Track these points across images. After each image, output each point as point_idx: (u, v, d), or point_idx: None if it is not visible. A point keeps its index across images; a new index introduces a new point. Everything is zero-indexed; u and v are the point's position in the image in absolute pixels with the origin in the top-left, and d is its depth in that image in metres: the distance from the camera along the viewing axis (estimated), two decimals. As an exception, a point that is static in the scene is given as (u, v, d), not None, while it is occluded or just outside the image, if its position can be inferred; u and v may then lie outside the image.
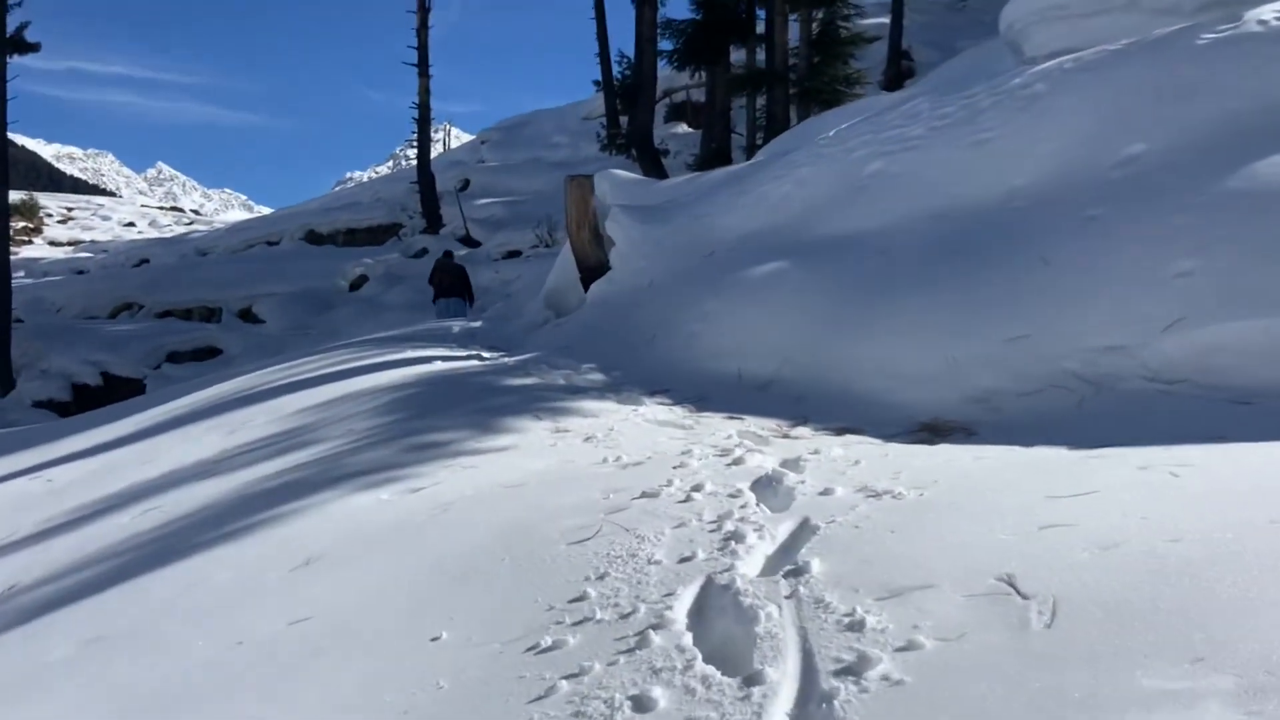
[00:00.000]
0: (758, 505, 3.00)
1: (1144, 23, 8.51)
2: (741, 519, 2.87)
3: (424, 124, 30.63)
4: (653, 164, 24.81)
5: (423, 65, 30.29)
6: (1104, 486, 2.68)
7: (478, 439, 4.59)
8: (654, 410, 5.05)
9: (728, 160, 23.39)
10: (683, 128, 33.24)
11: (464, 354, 6.89)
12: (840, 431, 4.53)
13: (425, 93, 30.25)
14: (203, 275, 30.07)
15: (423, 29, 30.09)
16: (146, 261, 38.51)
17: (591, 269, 7.99)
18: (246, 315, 27.36)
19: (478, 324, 9.49)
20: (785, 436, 4.50)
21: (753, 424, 4.70)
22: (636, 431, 4.61)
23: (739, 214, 7.24)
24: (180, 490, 4.82)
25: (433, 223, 30.10)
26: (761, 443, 4.29)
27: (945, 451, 3.75)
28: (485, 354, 6.97)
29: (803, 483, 3.17)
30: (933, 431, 4.43)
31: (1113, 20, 8.85)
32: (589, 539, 2.92)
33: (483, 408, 5.13)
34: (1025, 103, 5.95)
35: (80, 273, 40.69)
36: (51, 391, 23.41)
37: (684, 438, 4.46)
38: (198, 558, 3.64)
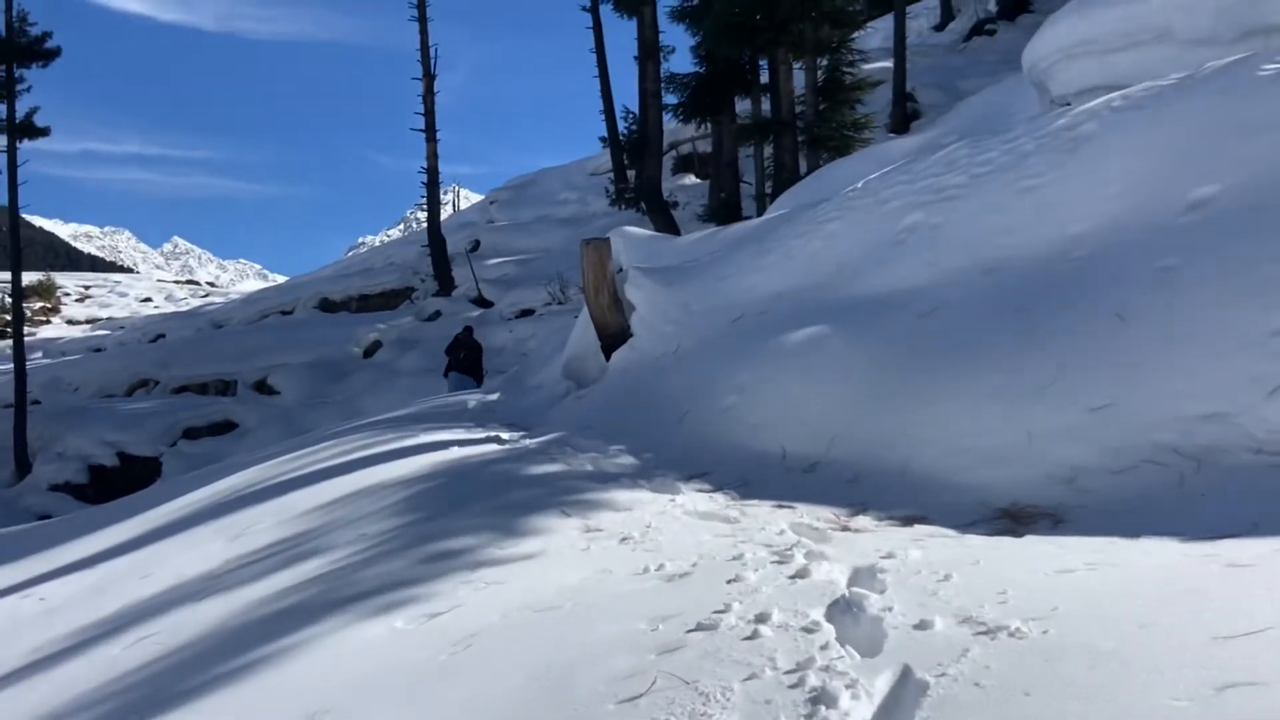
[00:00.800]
0: (842, 646, 2.47)
1: (1176, 56, 8.09)
2: (826, 667, 2.35)
3: (433, 187, 30.52)
4: (663, 217, 24.51)
5: (430, 130, 30.25)
6: (1276, 614, 2.16)
7: (501, 543, 4.09)
8: (693, 499, 4.54)
9: (738, 210, 23.07)
10: (690, 179, 33.04)
11: (481, 436, 6.41)
12: (907, 521, 4.01)
13: (433, 156, 30.17)
14: (217, 348, 29.82)
15: (428, 95, 30.10)
16: (162, 336, 38.41)
17: (612, 336, 7.53)
18: (262, 387, 27.02)
19: (494, 397, 9.02)
20: (845, 529, 3.98)
21: (805, 514, 4.19)
22: (677, 528, 4.10)
23: (764, 274, 6.78)
24: (178, 612, 4.32)
25: (445, 285, 29.83)
26: (821, 539, 3.77)
27: (1044, 551, 3.21)
28: (504, 434, 6.49)
29: (890, 610, 2.65)
30: (1014, 519, 3.90)
31: (1143, 54, 8.44)
32: (641, 695, 2.40)
33: (505, 504, 4.63)
34: (1074, 144, 5.49)
35: (98, 350, 40.63)
36: (68, 474, 23.05)
37: (730, 534, 3.95)
38: (188, 712, 3.13)
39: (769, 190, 22.21)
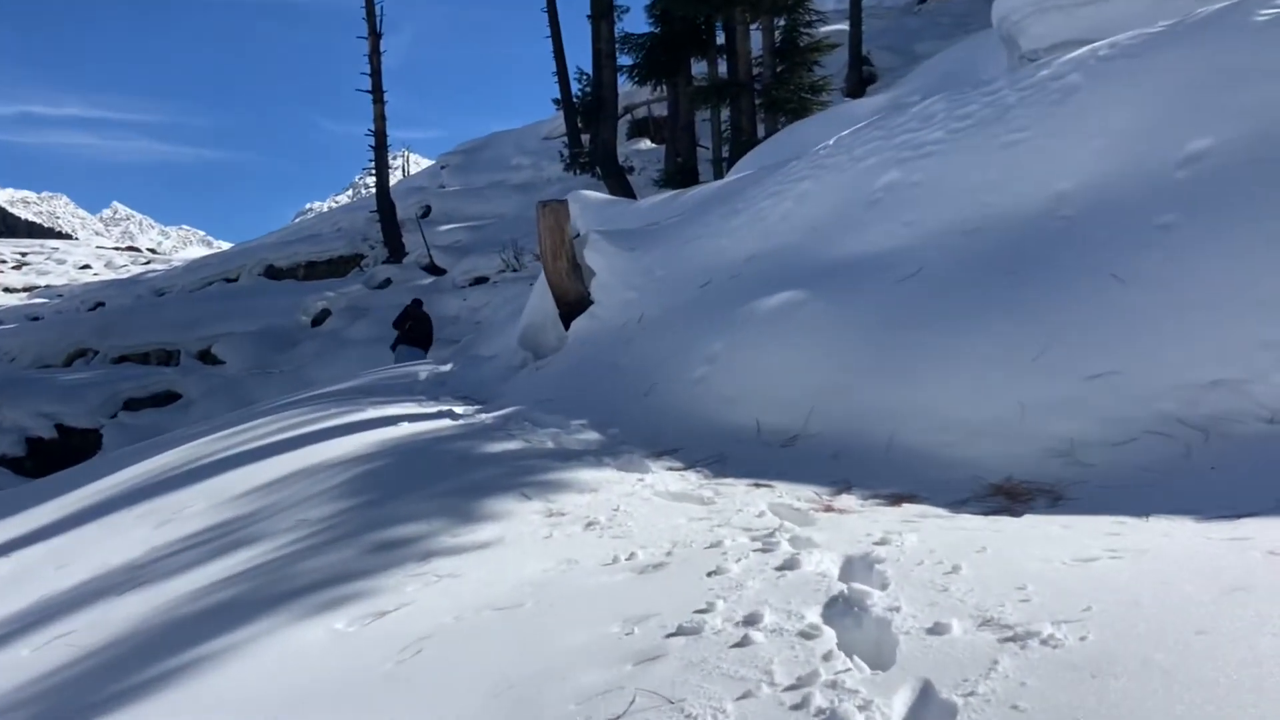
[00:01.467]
0: (847, 657, 2.15)
1: (1150, 9, 7.82)
2: (832, 683, 2.03)
3: (381, 150, 29.69)
4: (618, 182, 24.05)
5: (376, 91, 29.39)
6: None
7: (456, 530, 3.73)
8: (664, 478, 4.20)
9: (695, 175, 22.67)
10: (646, 144, 32.53)
11: (434, 410, 6.01)
12: (895, 500, 3.71)
13: (380, 119, 29.34)
14: (159, 317, 28.89)
15: (375, 55, 29.19)
16: (102, 305, 37.24)
17: (571, 304, 7.15)
18: (206, 356, 26.23)
19: (447, 368, 8.59)
20: (829, 509, 3.67)
21: (785, 493, 3.87)
22: (647, 510, 3.76)
23: (734, 236, 6.43)
24: (96, 608, 3.90)
25: (395, 251, 29.13)
26: (805, 522, 3.46)
27: (1053, 534, 2.92)
28: (458, 408, 6.10)
29: (896, 610, 2.33)
30: (1010, 496, 3.62)
31: (1114, 7, 8.16)
32: (619, 717, 2.07)
33: (459, 485, 4.26)
34: (1060, 96, 5.19)
35: (35, 319, 39.29)
36: (4, 447, 22.19)
37: (706, 516, 3.62)
38: (97, 731, 2.75)
39: (726, 155, 21.83)
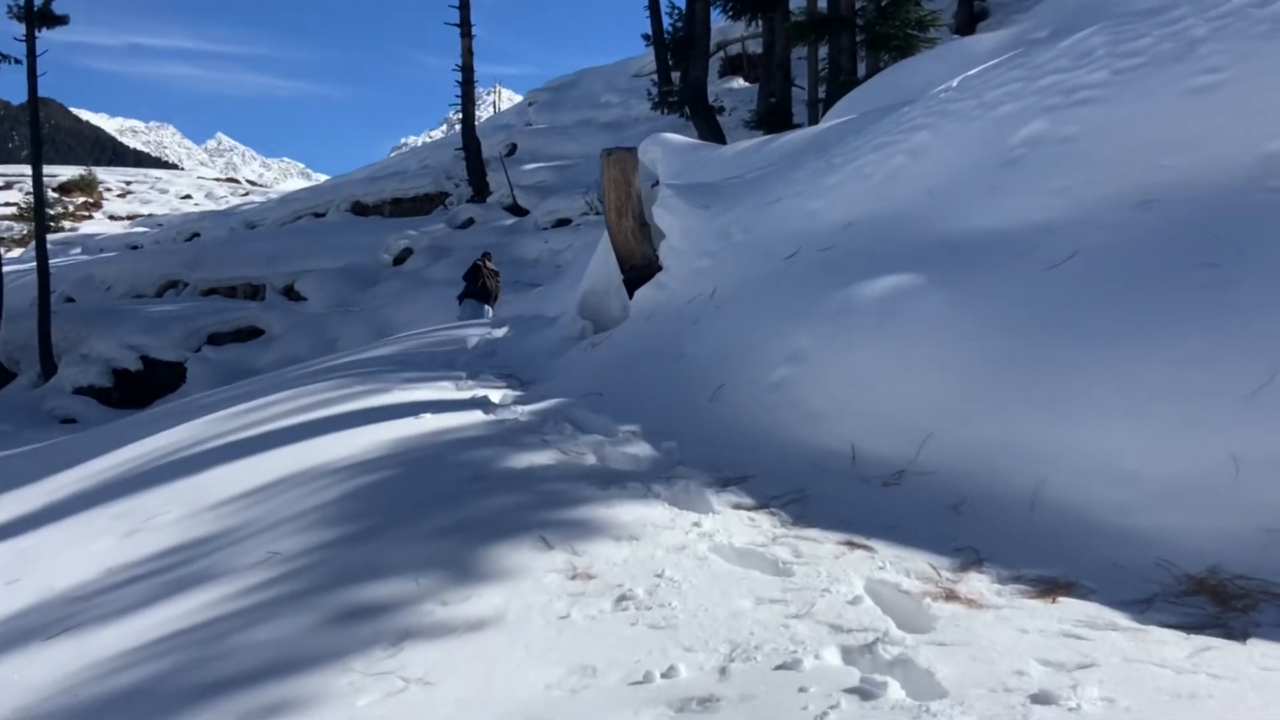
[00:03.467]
0: None
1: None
2: None
3: (468, 86, 28.75)
4: (707, 122, 22.68)
5: (465, 25, 28.37)
6: None
7: (447, 594, 2.78)
8: (727, 522, 3.18)
9: (788, 115, 21.20)
10: (739, 82, 30.94)
11: (467, 396, 5.07)
12: (1046, 589, 2.63)
13: (468, 54, 28.35)
14: (249, 251, 28.70)
15: (463, -14, 28.13)
16: (197, 235, 37.49)
17: (637, 269, 6.10)
18: (290, 292, 25.97)
19: (500, 333, 7.65)
20: (951, 597, 2.61)
21: (890, 563, 2.82)
22: (702, 579, 2.76)
23: (829, 197, 5.27)
24: (9, 660, 3.10)
25: (479, 190, 28.34)
26: (919, 624, 2.43)
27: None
28: (495, 394, 5.14)
29: None
30: (1219, 600, 2.50)
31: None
32: None
33: (469, 517, 3.31)
34: (1271, 27, 3.89)
35: (134, 248, 39.86)
36: (92, 377, 22.25)
37: (781, 599, 2.60)
38: None
39: (823, 96, 20.30)
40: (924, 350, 3.59)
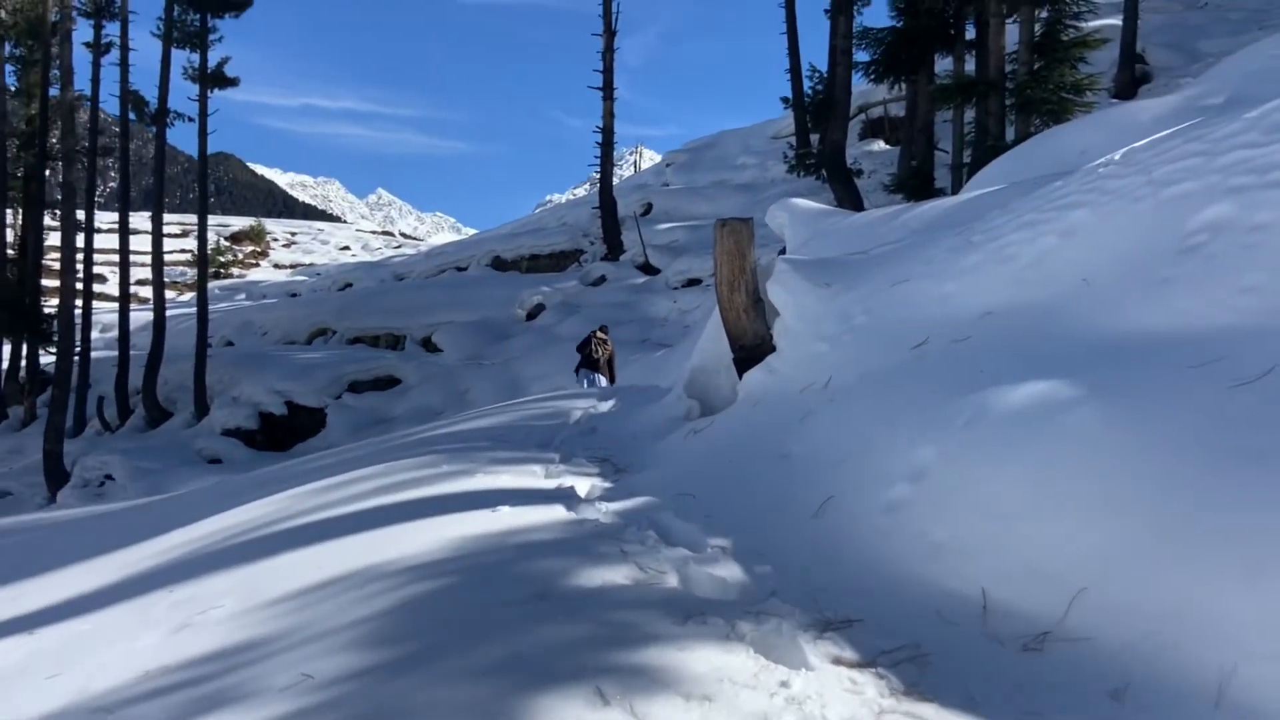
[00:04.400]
0: None
1: None
2: None
3: (607, 147, 29.00)
4: (845, 186, 22.04)
5: (607, 88, 28.73)
6: None
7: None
8: (823, 684, 2.59)
9: (930, 181, 20.36)
10: (879, 145, 30.18)
11: (552, 486, 4.63)
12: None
13: (609, 115, 28.65)
14: (392, 302, 29.55)
15: (608, 51, 28.55)
16: (350, 285, 38.98)
17: (747, 349, 5.57)
18: (428, 344, 26.50)
19: (607, 407, 7.22)
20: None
21: (1028, 770, 2.18)
22: (784, 772, 2.19)
23: (965, 279, 4.64)
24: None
25: (613, 249, 28.39)
26: None
27: None
28: (583, 484, 4.68)
29: None
30: None
31: None
32: None
33: (519, 653, 2.83)
34: None
35: (293, 295, 41.77)
36: (239, 420, 23.07)
37: (880, 810, 2.01)
38: None
39: (968, 160, 19.41)
40: (1076, 479, 2.93)
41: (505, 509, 4.15)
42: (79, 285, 23.44)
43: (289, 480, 6.00)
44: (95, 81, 24.56)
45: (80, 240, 23.85)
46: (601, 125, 28.69)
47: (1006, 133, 18.11)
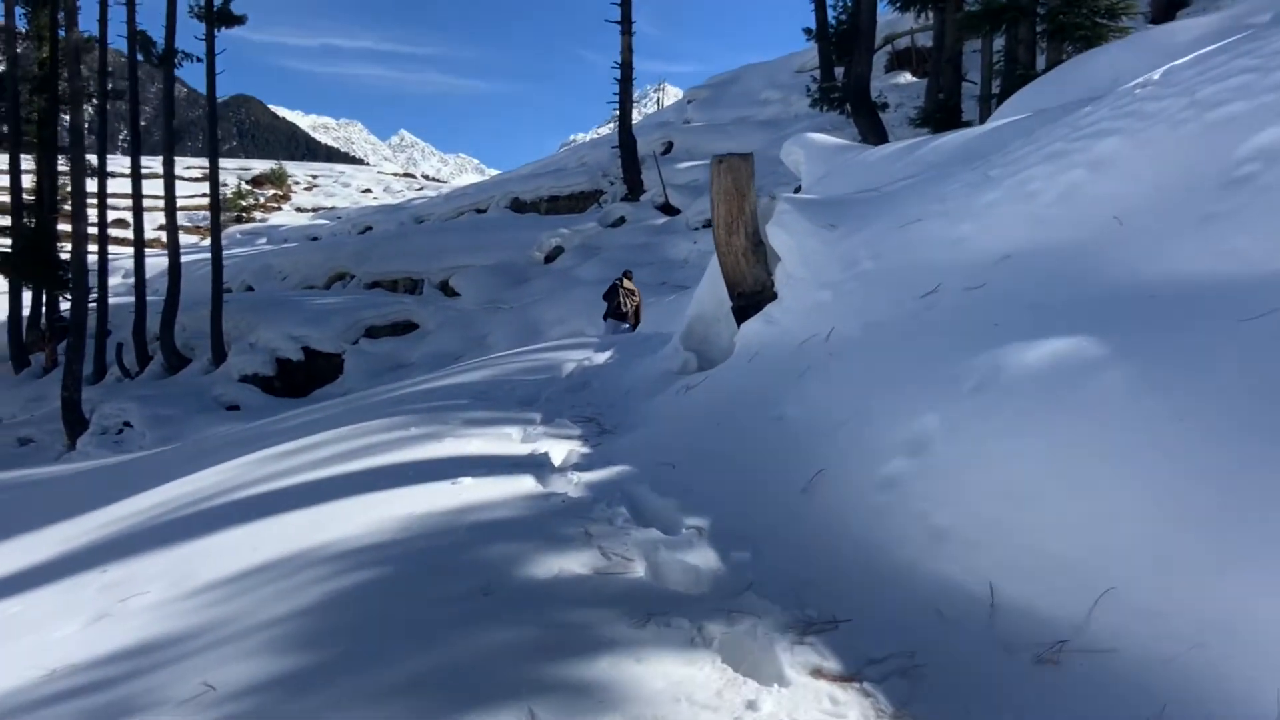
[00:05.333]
0: None
1: None
2: None
3: (626, 84, 28.14)
4: (869, 120, 21.19)
5: (625, 22, 27.80)
6: None
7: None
8: (796, 707, 2.19)
9: (957, 113, 19.51)
10: (905, 77, 29.10)
11: (527, 451, 4.22)
12: None
13: (627, 51, 27.75)
14: (411, 245, 29.13)
15: (624, -17, 27.54)
16: (370, 229, 38.57)
17: (746, 295, 5.10)
18: (445, 288, 26.12)
19: (604, 358, 6.77)
20: None
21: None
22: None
23: (982, 218, 4.12)
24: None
25: (633, 189, 27.72)
26: None
27: None
28: (559, 451, 4.26)
29: None
30: None
31: None
32: None
33: (448, 663, 2.43)
34: None
35: (314, 239, 41.47)
36: (257, 366, 22.88)
37: None
38: None
39: (997, 91, 18.54)
40: (1104, 457, 2.47)
41: (467, 480, 3.75)
42: (93, 230, 23.18)
43: (257, 442, 5.64)
44: (103, 22, 24.00)
45: (94, 185, 23.55)
46: (620, 61, 27.81)
47: (1037, 61, 17.22)
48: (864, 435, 3.18)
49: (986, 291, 3.61)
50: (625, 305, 13.65)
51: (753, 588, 2.70)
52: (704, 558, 2.90)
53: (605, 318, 14.08)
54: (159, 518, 4.27)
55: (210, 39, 22.47)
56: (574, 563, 2.92)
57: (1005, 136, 5.02)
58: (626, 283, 14.10)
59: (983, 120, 17.44)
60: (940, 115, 19.27)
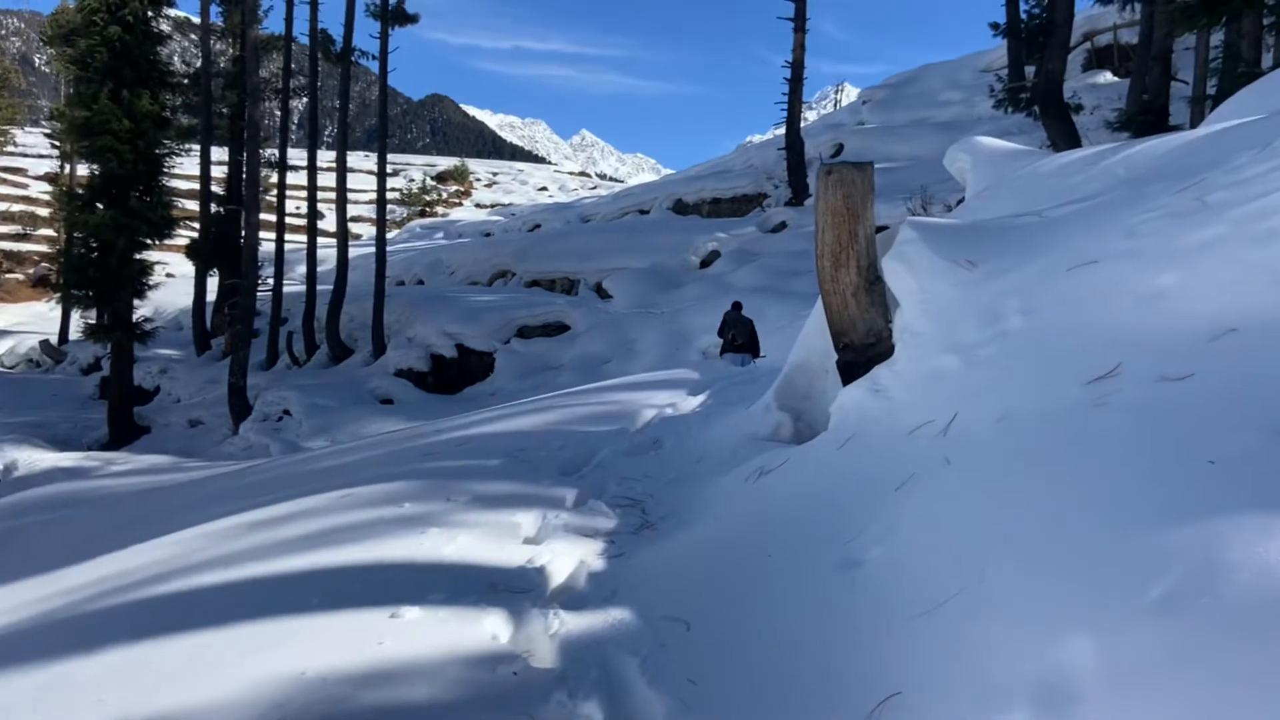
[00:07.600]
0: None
1: None
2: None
3: (796, 83, 26.65)
4: (1060, 123, 18.90)
5: (799, 19, 26.33)
6: None
7: None
8: None
9: (1164, 116, 17.05)
10: (1105, 77, 26.26)
11: (522, 560, 3.13)
12: None
13: (799, 49, 26.27)
14: (570, 245, 28.73)
15: (798, -21, 26.08)
16: (538, 226, 38.65)
17: (854, 348, 3.84)
18: (600, 289, 25.49)
19: (694, 405, 5.59)
20: None
21: None
22: None
23: (1190, 264, 2.73)
24: None
25: (798, 193, 26.23)
26: None
27: None
28: (565, 562, 3.15)
29: None
30: None
31: None
32: None
33: None
34: None
35: (487, 235, 42.01)
36: (412, 361, 22.92)
37: None
38: None
39: (1213, 91, 16.06)
40: None
41: (411, 613, 2.69)
42: (272, 219, 23.84)
43: (258, 494, 4.81)
44: (289, 21, 24.68)
45: (274, 177, 24.23)
46: (791, 59, 26.36)
47: (1263, 59, 14.72)
48: (973, 637, 1.91)
49: (1196, 386, 2.25)
50: (737, 339, 12.64)
51: None
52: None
53: (722, 354, 13.04)
54: (71, 609, 3.44)
55: (384, 36, 22.61)
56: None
57: (1228, 146, 3.54)
58: (737, 315, 13.13)
59: (1194, 124, 15.07)
60: (1144, 118, 16.90)
